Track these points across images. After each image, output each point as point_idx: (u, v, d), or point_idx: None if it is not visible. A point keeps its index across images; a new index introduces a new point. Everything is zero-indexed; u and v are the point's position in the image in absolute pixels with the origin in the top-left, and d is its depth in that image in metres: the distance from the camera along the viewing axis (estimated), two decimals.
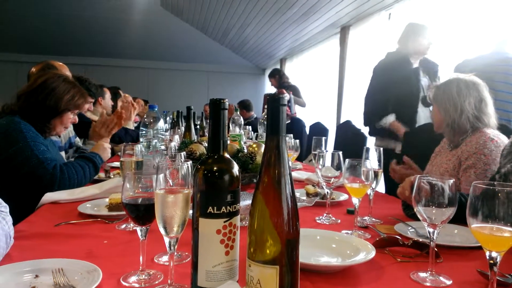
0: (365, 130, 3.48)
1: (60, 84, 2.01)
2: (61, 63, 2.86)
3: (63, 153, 2.51)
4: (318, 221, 1.53)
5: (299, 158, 3.11)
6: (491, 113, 1.97)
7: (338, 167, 1.49)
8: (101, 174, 2.25)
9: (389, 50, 3.40)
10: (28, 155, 1.81)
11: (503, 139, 1.88)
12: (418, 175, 1.03)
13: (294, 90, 6.13)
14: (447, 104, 1.99)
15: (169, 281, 0.91)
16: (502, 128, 2.15)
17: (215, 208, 0.81)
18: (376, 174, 1.48)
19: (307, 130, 4.78)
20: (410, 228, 1.37)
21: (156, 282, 0.97)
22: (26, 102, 1.96)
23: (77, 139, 2.99)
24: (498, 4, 3.74)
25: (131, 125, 3.37)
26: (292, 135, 2.65)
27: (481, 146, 1.85)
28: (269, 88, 10.15)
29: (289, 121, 4.98)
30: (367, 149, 1.46)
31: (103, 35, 9.49)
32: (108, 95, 3.99)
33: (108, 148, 2.26)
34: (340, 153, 1.50)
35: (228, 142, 2.08)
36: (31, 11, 8.29)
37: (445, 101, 2.00)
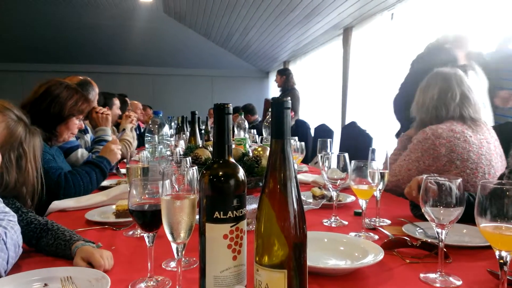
0: (370, 131, 3.46)
1: (63, 91, 2.04)
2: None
3: (80, 151, 2.50)
4: (325, 223, 1.52)
5: (305, 161, 3.11)
6: (456, 102, 1.95)
7: (344, 169, 1.48)
8: (113, 181, 2.24)
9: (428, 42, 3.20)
10: None
11: (442, 132, 1.87)
12: (426, 175, 1.02)
13: (293, 98, 6.02)
14: (417, 101, 2.08)
15: (177, 287, 0.91)
16: (508, 126, 2.13)
17: (221, 213, 0.80)
18: (382, 175, 1.47)
19: (312, 132, 4.77)
20: (418, 228, 1.36)
21: None
22: (31, 111, 1.98)
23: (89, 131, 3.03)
24: (501, 2, 3.72)
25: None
26: (297, 137, 2.64)
27: (416, 136, 1.97)
28: (273, 91, 10.17)
29: (293, 123, 4.98)
30: (373, 150, 1.46)
31: (107, 42, 9.56)
32: (116, 105, 3.98)
33: (116, 150, 2.24)
34: (346, 154, 1.50)
35: (233, 146, 2.08)
36: (34, 20, 8.38)
37: (416, 99, 2.08)
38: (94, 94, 3.03)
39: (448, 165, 1.88)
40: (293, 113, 6.03)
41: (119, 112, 4.03)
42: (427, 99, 2.01)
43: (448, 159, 1.87)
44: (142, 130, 4.86)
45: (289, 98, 0.76)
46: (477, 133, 1.92)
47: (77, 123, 2.12)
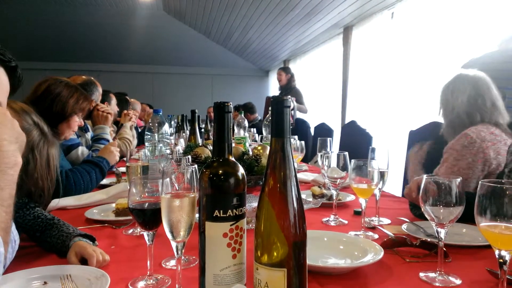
0: (370, 130, 3.46)
1: (63, 89, 2.05)
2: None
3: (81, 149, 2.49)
4: (325, 222, 1.52)
5: (305, 160, 3.10)
6: (488, 108, 1.88)
7: (344, 168, 1.48)
8: (113, 179, 2.25)
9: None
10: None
11: (485, 135, 1.79)
12: (425, 175, 1.02)
13: (298, 95, 6.06)
14: (442, 102, 1.99)
15: (177, 285, 0.91)
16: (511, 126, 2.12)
17: (221, 211, 0.81)
18: (382, 174, 1.47)
19: (312, 131, 4.76)
20: (418, 228, 1.36)
21: (164, 287, 0.97)
22: None
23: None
24: (502, 2, 3.72)
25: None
26: (297, 136, 2.64)
27: (456, 142, 1.82)
28: (273, 89, 10.17)
29: (293, 122, 4.97)
30: (373, 149, 1.46)
31: (107, 41, 9.56)
32: (114, 101, 4.00)
33: (115, 152, 2.27)
34: (346, 153, 1.50)
35: (233, 145, 2.08)
36: (35, 19, 8.37)
37: (441, 99, 2.00)
38: (98, 94, 3.04)
39: (495, 169, 1.76)
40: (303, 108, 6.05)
41: (116, 108, 4.04)
42: (458, 103, 1.92)
43: (497, 162, 1.76)
44: (140, 130, 4.85)
45: (289, 96, 0.76)
46: (509, 135, 1.86)
47: (77, 121, 2.13)
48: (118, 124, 3.63)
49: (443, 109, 1.99)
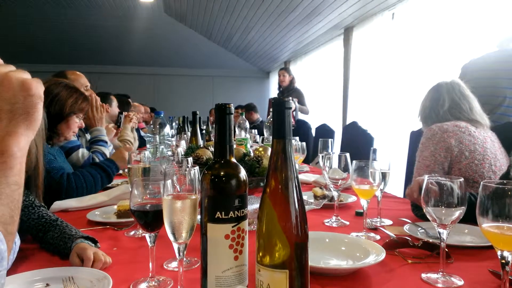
0: (372, 130, 3.46)
1: (62, 90, 2.05)
2: (75, 72, 2.89)
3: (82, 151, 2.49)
4: (326, 223, 1.52)
5: (306, 161, 3.10)
6: (445, 109, 2.09)
7: (345, 169, 1.48)
8: (117, 181, 2.24)
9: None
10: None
11: (448, 127, 1.96)
12: (427, 176, 1.02)
13: (299, 96, 6.06)
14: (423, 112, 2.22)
15: (179, 287, 0.91)
16: (508, 126, 2.13)
17: (223, 213, 0.81)
18: (384, 175, 1.47)
19: (313, 132, 4.76)
20: (420, 228, 1.36)
21: None
22: None
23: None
24: (502, 2, 3.72)
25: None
26: (298, 137, 2.64)
27: (422, 136, 2.04)
28: (274, 91, 10.17)
29: (294, 123, 4.97)
30: (374, 150, 1.46)
31: (109, 43, 9.57)
32: (115, 103, 3.99)
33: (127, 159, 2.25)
34: (347, 154, 1.50)
35: (234, 146, 2.08)
36: (36, 21, 8.39)
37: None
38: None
39: (459, 156, 1.93)
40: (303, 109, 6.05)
41: (117, 110, 4.03)
42: (424, 107, 2.20)
43: (459, 150, 1.93)
44: (142, 133, 4.84)
45: (290, 98, 0.76)
46: (481, 130, 2.02)
47: (77, 121, 2.13)
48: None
49: (421, 113, 2.25)
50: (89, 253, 1.07)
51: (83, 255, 1.08)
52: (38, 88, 0.75)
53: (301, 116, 5.96)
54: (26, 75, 0.77)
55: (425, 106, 2.18)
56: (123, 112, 3.69)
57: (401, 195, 2.22)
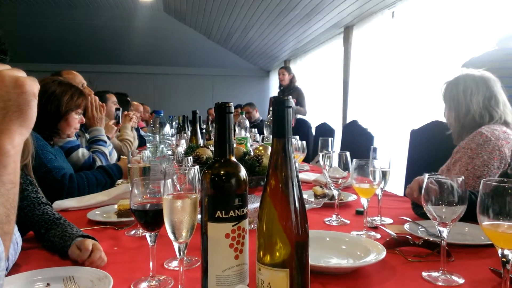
0: (372, 129, 3.46)
1: (56, 87, 2.04)
2: (71, 71, 2.88)
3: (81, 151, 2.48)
4: (327, 222, 1.52)
5: (306, 160, 3.10)
6: (501, 109, 1.88)
7: (345, 168, 1.48)
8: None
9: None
10: (36, 164, 1.82)
11: (499, 134, 1.77)
12: (427, 174, 1.02)
13: (300, 96, 6.04)
14: (453, 102, 1.95)
15: (179, 286, 0.91)
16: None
17: (223, 212, 0.80)
18: (384, 174, 1.47)
19: (313, 131, 4.76)
20: (420, 227, 1.36)
21: None
22: None
23: None
24: (501, 1, 3.72)
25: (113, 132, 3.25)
26: (298, 136, 2.64)
27: (470, 141, 1.80)
28: (274, 90, 10.17)
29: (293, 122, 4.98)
30: (375, 149, 1.45)
31: (108, 42, 9.57)
32: (110, 100, 3.95)
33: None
34: (348, 153, 1.49)
35: (235, 145, 2.08)
36: (36, 21, 8.39)
37: (452, 99, 1.96)
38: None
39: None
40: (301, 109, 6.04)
41: (114, 106, 4.00)
42: (473, 104, 1.88)
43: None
44: (142, 132, 4.84)
45: (291, 97, 0.76)
46: None
47: (77, 118, 2.12)
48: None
49: (455, 110, 1.95)
50: (87, 244, 1.09)
51: (81, 246, 1.09)
52: (31, 85, 0.75)
53: (300, 115, 5.96)
54: (20, 73, 0.76)
55: (477, 103, 1.87)
56: (120, 109, 3.68)
57: (402, 194, 2.22)
